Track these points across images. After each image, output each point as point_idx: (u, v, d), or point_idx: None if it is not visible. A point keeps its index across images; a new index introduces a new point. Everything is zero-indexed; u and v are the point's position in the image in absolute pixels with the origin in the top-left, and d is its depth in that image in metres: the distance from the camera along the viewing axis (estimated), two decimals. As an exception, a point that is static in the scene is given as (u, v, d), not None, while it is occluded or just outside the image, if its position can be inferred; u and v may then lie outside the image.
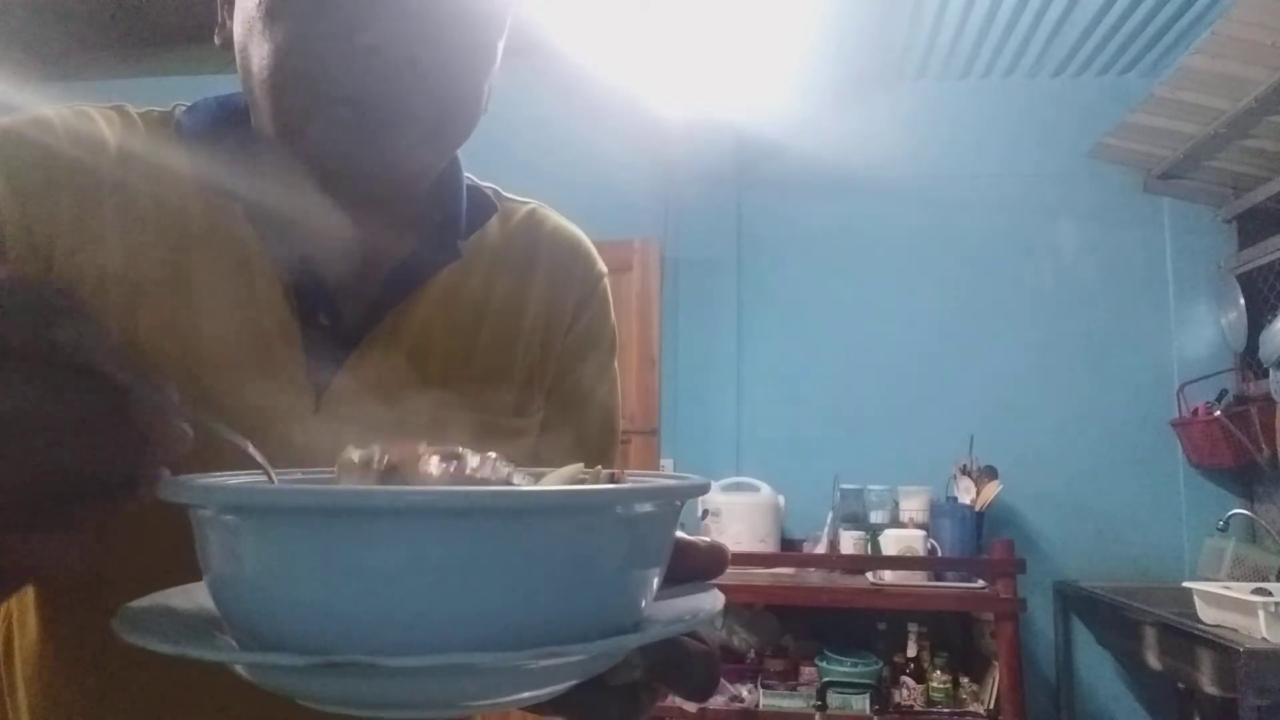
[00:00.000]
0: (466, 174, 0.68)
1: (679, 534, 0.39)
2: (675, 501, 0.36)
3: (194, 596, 0.36)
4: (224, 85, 0.63)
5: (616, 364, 0.76)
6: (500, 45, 0.61)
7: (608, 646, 0.32)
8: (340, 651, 0.28)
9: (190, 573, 0.36)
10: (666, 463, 3.06)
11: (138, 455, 0.32)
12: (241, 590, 0.32)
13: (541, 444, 0.68)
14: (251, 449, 0.36)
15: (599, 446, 0.72)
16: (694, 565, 0.41)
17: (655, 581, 0.35)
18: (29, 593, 0.59)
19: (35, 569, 0.34)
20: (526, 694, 0.33)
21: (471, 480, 0.35)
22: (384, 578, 0.29)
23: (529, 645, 0.29)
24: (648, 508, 0.34)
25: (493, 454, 0.37)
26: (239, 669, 0.32)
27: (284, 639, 0.30)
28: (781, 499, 2.77)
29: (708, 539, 0.43)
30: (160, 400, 0.32)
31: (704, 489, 0.37)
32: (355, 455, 0.36)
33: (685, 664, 0.39)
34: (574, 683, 0.34)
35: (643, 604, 0.35)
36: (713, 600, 0.39)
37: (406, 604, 0.29)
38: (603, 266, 0.75)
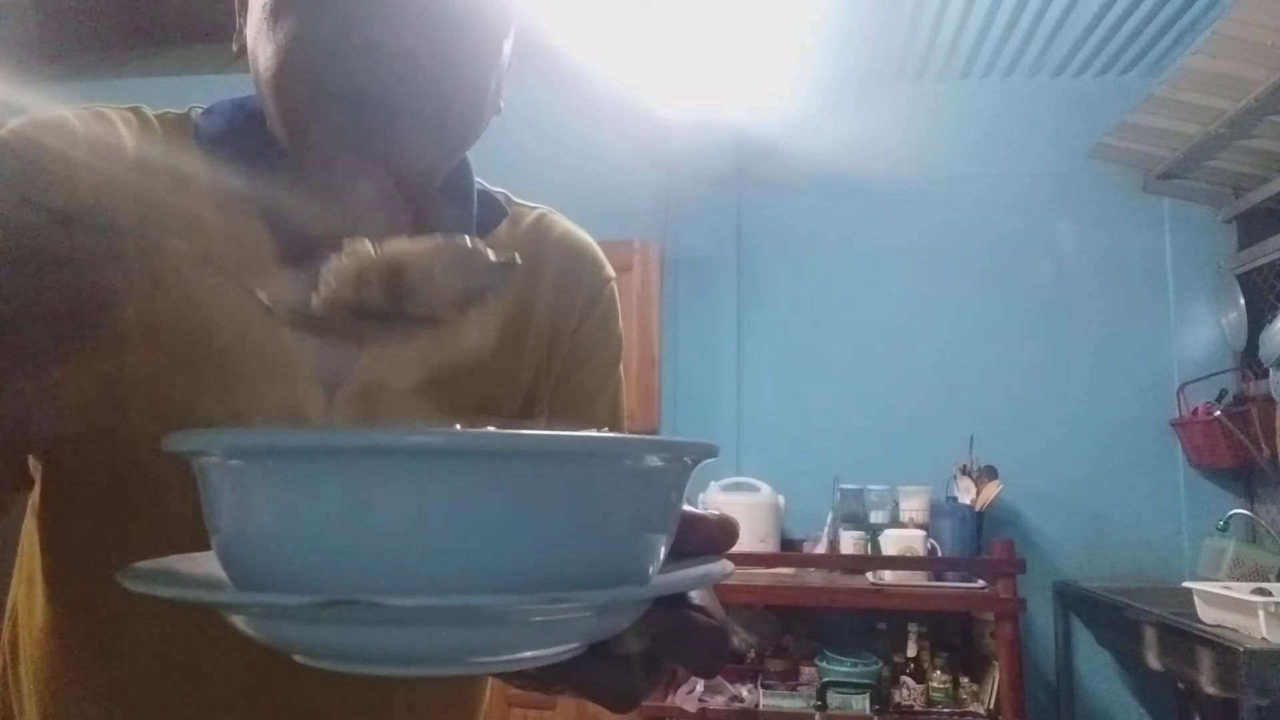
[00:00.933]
0: (477, 178, 0.69)
1: (687, 507, 0.39)
2: (684, 459, 0.35)
3: (199, 564, 0.37)
4: (226, 84, 0.63)
5: (622, 369, 0.76)
6: (506, 44, 0.61)
7: (616, 595, 0.31)
8: (342, 591, 0.28)
9: None
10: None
11: (92, 277, 0.32)
12: (245, 539, 0.32)
13: None
14: (253, 289, 0.36)
15: None
16: (703, 538, 0.41)
17: (663, 548, 0.35)
18: (37, 585, 0.59)
19: (21, 426, 0.34)
20: (530, 653, 0.33)
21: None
22: (387, 520, 0.29)
23: (534, 591, 0.29)
24: (657, 462, 0.34)
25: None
26: (239, 624, 0.32)
27: (287, 585, 0.30)
28: (781, 499, 2.77)
29: (717, 512, 0.42)
30: (103, 220, 0.32)
31: (713, 451, 0.36)
32: (347, 264, 0.35)
33: (693, 636, 0.38)
34: (580, 645, 0.34)
35: (650, 569, 0.35)
36: (721, 568, 0.39)
37: (410, 547, 0.29)
38: (610, 271, 0.76)
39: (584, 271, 0.73)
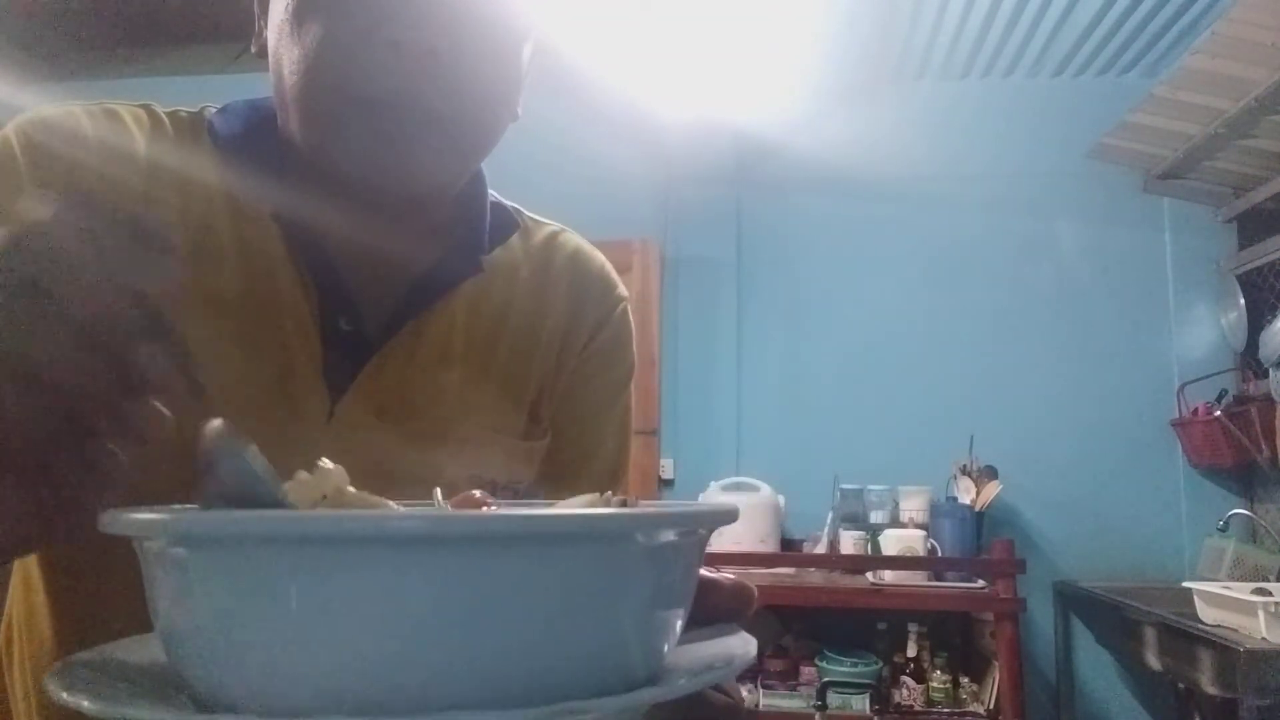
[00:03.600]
0: (491, 190, 0.68)
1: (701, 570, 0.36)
2: (701, 530, 0.32)
3: (151, 648, 0.32)
4: (225, 84, 0.63)
5: (632, 391, 0.74)
6: (525, 51, 0.61)
7: (629, 701, 0.27)
8: (311, 713, 0.24)
9: None
10: (667, 462, 3.06)
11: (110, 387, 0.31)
12: (196, 638, 0.27)
13: (546, 462, 0.68)
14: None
15: (607, 470, 0.72)
16: (716, 605, 0.37)
17: (679, 624, 0.32)
18: (35, 588, 0.59)
19: (46, 528, 0.34)
20: None
21: None
22: (362, 622, 0.25)
23: (537, 703, 0.25)
24: (672, 536, 0.30)
25: None
26: None
27: (245, 698, 0.26)
28: (781, 499, 2.77)
29: (731, 576, 0.39)
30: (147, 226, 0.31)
31: (732, 516, 0.33)
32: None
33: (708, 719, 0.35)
34: None
35: (665, 650, 0.31)
36: (744, 646, 0.35)
37: (389, 653, 0.25)
38: (624, 292, 0.75)
39: (595, 290, 0.72)
